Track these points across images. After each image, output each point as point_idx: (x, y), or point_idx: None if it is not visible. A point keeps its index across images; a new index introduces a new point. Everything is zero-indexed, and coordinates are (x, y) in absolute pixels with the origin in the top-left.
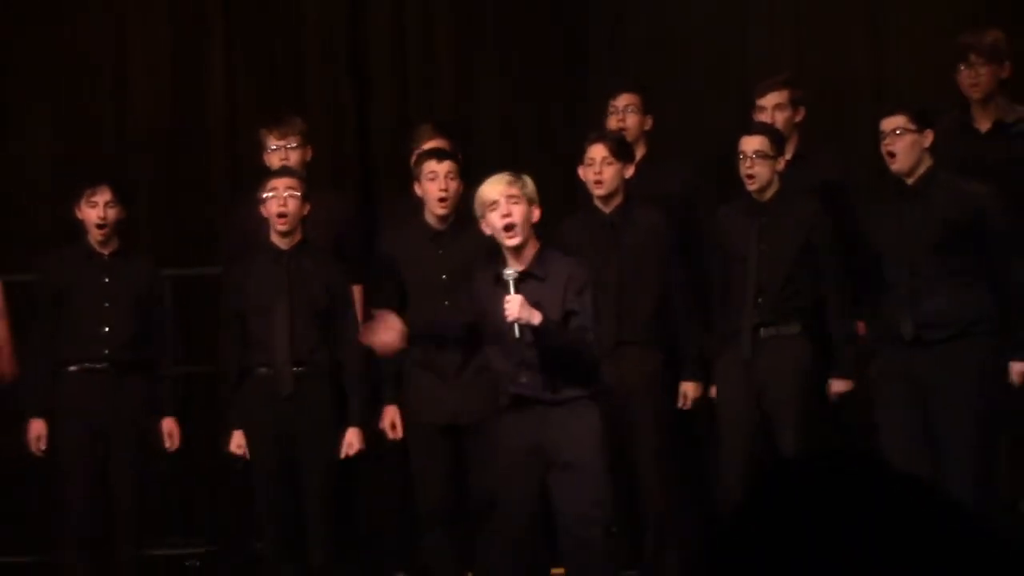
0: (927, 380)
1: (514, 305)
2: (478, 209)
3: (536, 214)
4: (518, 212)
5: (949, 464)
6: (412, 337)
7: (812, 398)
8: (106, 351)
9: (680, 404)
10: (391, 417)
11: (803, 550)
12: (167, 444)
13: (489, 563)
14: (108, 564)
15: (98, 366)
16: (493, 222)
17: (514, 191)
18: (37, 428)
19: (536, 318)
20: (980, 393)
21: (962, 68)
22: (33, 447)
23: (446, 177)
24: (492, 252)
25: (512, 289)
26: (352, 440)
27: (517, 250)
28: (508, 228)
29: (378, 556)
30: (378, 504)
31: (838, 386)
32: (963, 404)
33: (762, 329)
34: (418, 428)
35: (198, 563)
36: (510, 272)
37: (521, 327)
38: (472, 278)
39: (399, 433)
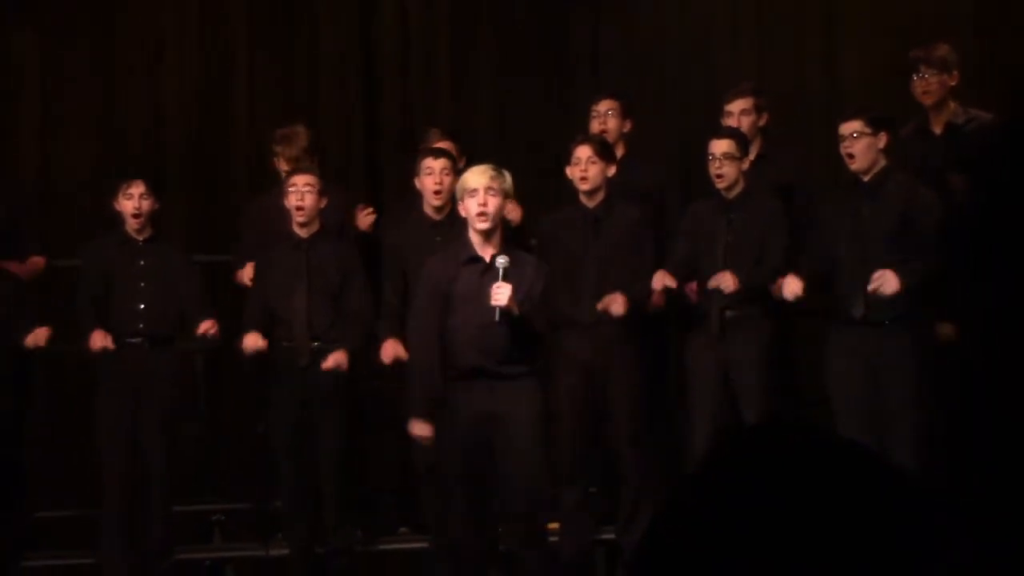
0: (875, 356)
1: (504, 293)
2: (459, 192)
3: (508, 208)
4: (493, 203)
5: (893, 432)
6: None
7: (774, 372)
8: (140, 326)
9: (655, 297)
10: (391, 348)
11: (754, 510)
12: (203, 330)
13: (448, 521)
14: (142, 519)
15: (133, 340)
16: (469, 207)
17: (494, 184)
18: (99, 334)
19: (516, 307)
20: (922, 368)
21: (914, 79)
22: (100, 344)
23: (441, 172)
24: (452, 239)
25: (501, 277)
26: (337, 358)
27: (487, 235)
28: (481, 215)
29: (384, 513)
30: (384, 466)
31: (793, 284)
32: (907, 378)
33: (728, 311)
34: None
35: (223, 518)
36: (502, 261)
37: (502, 312)
38: (425, 262)
39: (403, 355)
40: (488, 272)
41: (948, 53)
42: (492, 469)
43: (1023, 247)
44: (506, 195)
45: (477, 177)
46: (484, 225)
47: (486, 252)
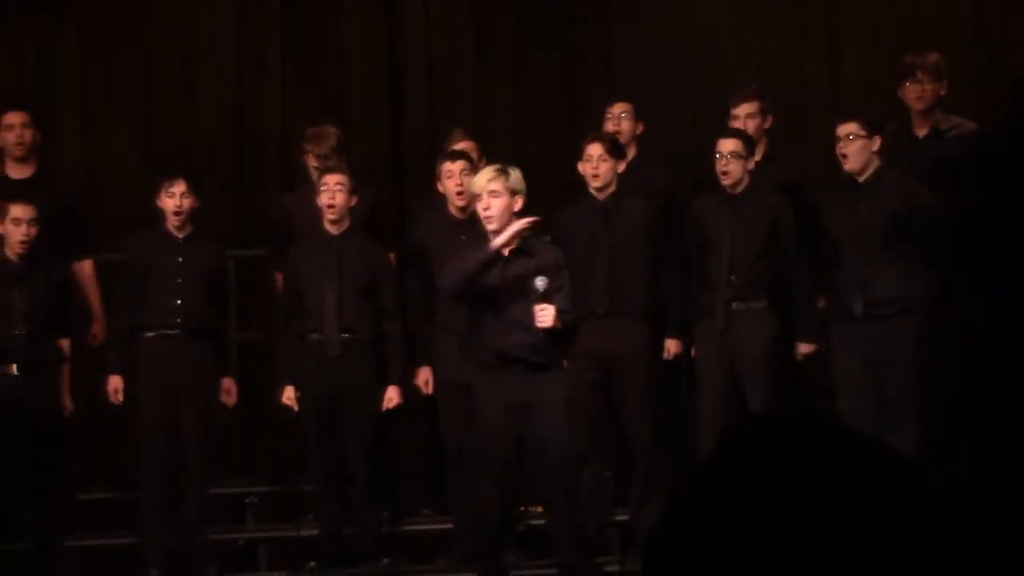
0: (876, 350)
1: (548, 315)
2: (468, 195)
3: (519, 203)
4: (496, 205)
5: (895, 420)
6: (439, 308)
7: (778, 362)
8: (178, 319)
9: (664, 356)
10: (424, 376)
11: (763, 496)
12: (225, 399)
13: (478, 501)
14: (180, 500)
15: (171, 332)
16: (478, 210)
17: (495, 186)
18: (115, 383)
19: (560, 323)
20: (922, 361)
21: (907, 84)
22: (111, 399)
23: (460, 174)
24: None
25: (542, 298)
26: (392, 396)
27: (496, 233)
28: (487, 218)
29: (408, 495)
30: (409, 451)
31: (805, 348)
32: (907, 370)
33: (734, 303)
34: (443, 384)
35: (256, 501)
36: (541, 283)
37: (547, 331)
38: (464, 246)
39: (430, 390)
40: (507, 264)
41: (940, 61)
42: (522, 454)
43: (1003, 250)
44: (513, 192)
45: (478, 181)
46: (491, 227)
47: (505, 243)
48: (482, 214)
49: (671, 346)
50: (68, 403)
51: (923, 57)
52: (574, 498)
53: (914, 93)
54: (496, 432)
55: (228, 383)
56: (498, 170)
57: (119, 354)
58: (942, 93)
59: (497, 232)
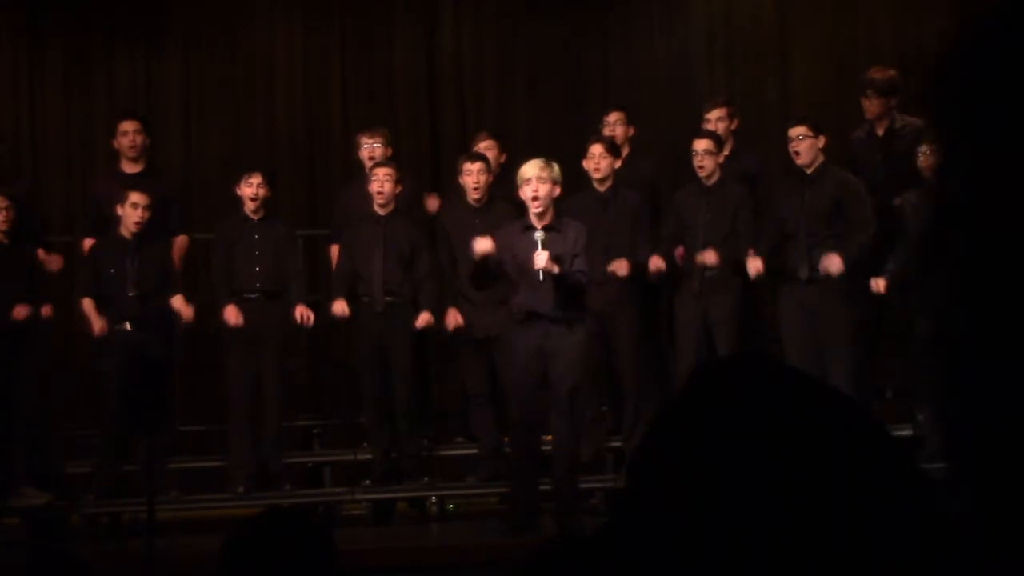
0: (817, 307)
1: (542, 259)
2: (518, 180)
3: (557, 191)
4: (544, 190)
5: (833, 365)
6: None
7: (740, 317)
8: (257, 284)
9: (651, 270)
10: (453, 316)
11: (723, 422)
12: (304, 321)
13: (513, 435)
14: (260, 432)
15: (252, 295)
16: (525, 193)
17: (544, 175)
18: (231, 310)
19: (555, 268)
20: (853, 314)
21: (862, 98)
22: (232, 321)
23: (477, 172)
24: (521, 211)
25: (540, 246)
26: (425, 317)
27: (540, 214)
28: (535, 200)
29: (444, 426)
30: (444, 390)
31: (753, 260)
32: (842, 323)
33: (706, 271)
34: (467, 339)
35: (321, 430)
36: (540, 234)
37: (545, 273)
38: (502, 228)
39: (461, 321)
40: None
41: (893, 79)
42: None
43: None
44: (554, 181)
45: (530, 168)
46: (538, 210)
47: (539, 224)
48: (530, 195)
49: (653, 262)
50: (187, 311)
51: (878, 73)
52: (574, 424)
53: (866, 106)
54: (524, 376)
55: (302, 308)
56: (544, 161)
57: (226, 299)
58: (893, 104)
59: (541, 213)
